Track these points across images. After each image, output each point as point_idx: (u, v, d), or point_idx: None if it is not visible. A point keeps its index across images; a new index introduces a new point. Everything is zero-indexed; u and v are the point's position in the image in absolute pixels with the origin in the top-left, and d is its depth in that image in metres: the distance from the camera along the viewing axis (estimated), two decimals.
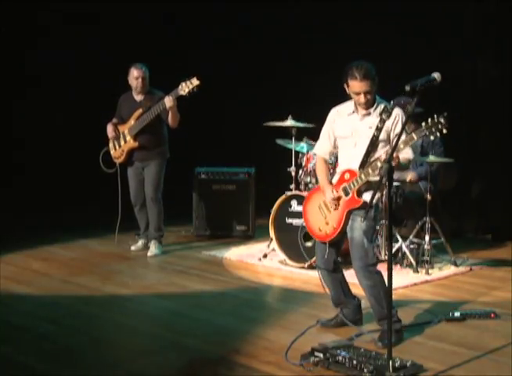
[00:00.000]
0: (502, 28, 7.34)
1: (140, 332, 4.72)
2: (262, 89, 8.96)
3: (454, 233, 7.41)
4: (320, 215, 4.54)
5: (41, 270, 6.35)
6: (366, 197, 4.32)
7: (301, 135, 6.90)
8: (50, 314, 5.02)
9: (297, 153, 6.91)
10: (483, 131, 7.64)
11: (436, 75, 3.82)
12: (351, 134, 4.43)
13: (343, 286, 4.66)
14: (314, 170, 6.51)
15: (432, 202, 6.29)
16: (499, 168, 7.50)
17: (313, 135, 6.82)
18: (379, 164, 4.17)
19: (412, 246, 6.29)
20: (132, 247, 7.20)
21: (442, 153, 6.51)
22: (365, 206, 4.25)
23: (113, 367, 4.02)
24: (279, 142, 7.15)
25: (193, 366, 4.04)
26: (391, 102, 4.39)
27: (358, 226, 4.35)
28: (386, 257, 5.14)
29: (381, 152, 4.28)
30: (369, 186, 4.32)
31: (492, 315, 4.86)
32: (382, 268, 4.38)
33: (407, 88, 3.77)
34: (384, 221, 6.22)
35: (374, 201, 4.26)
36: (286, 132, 6.92)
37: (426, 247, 6.24)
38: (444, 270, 6.30)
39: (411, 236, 6.32)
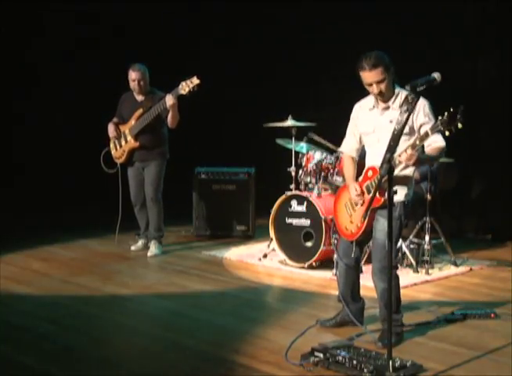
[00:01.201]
0: (503, 28, 7.34)
1: (140, 332, 4.72)
2: (262, 89, 8.96)
3: (454, 233, 7.42)
4: (346, 213, 4.48)
5: (41, 270, 6.35)
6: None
7: (300, 135, 6.90)
8: (50, 314, 5.02)
9: (297, 153, 6.91)
10: (483, 131, 7.64)
11: (436, 75, 3.80)
12: (373, 130, 4.33)
13: (354, 286, 4.60)
14: (313, 170, 6.52)
15: (432, 202, 6.29)
16: (499, 168, 7.51)
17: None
18: (405, 153, 3.99)
19: (412, 246, 6.29)
20: (132, 247, 7.20)
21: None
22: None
23: (113, 367, 4.02)
24: (279, 142, 7.15)
25: (193, 366, 4.04)
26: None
27: (381, 227, 4.23)
28: None
29: (404, 146, 4.05)
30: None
31: (492, 315, 4.85)
32: None
33: (407, 88, 3.76)
34: None
35: (401, 199, 4.19)
36: (286, 132, 6.93)
37: (426, 247, 6.25)
38: (444, 270, 6.30)
39: (411, 236, 6.32)
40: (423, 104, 4.18)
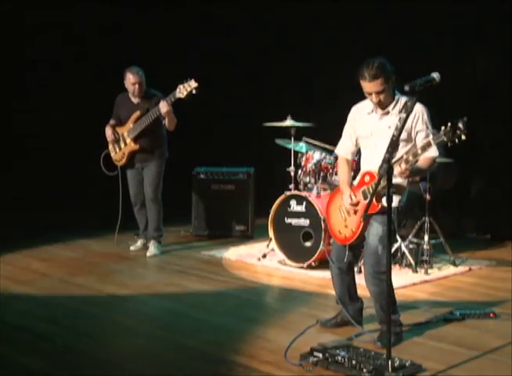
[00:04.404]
0: (502, 28, 7.34)
1: (140, 332, 4.72)
2: (262, 89, 8.97)
3: (454, 233, 7.41)
4: (340, 217, 4.43)
5: (41, 270, 6.35)
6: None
7: (300, 135, 6.91)
8: (50, 314, 5.02)
9: (296, 153, 6.91)
10: (483, 132, 7.65)
11: (435, 75, 3.79)
12: (371, 134, 4.31)
13: (350, 288, 4.59)
14: (313, 170, 6.52)
15: (431, 202, 6.30)
16: (499, 168, 7.51)
17: (312, 135, 6.87)
18: (399, 167, 3.97)
19: (411, 246, 6.29)
20: (132, 247, 7.21)
21: (443, 153, 6.51)
22: (385, 210, 4.01)
23: (113, 367, 4.02)
24: (279, 142, 7.15)
25: (193, 366, 4.05)
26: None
27: (374, 232, 4.23)
28: None
29: (402, 152, 4.08)
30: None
31: (492, 315, 4.86)
32: None
33: (406, 88, 3.74)
34: None
35: (394, 205, 4.17)
36: (285, 132, 6.93)
37: (425, 247, 6.25)
38: (443, 270, 6.30)
39: (410, 236, 6.32)
40: (421, 111, 4.19)
